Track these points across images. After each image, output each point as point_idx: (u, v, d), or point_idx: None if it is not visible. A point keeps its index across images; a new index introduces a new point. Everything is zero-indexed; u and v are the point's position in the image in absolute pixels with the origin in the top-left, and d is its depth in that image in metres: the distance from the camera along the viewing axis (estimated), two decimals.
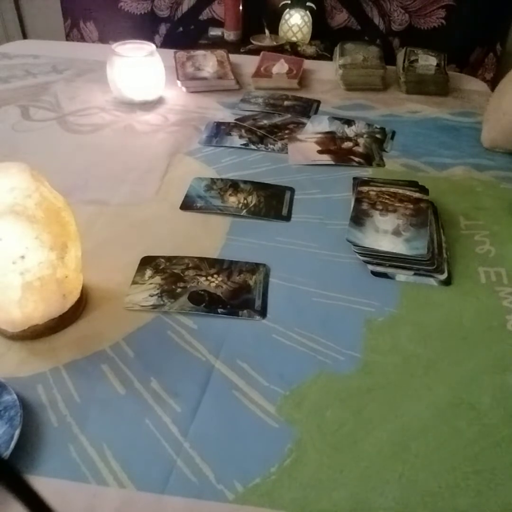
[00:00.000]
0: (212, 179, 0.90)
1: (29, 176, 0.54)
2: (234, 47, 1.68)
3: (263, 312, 0.65)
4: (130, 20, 1.90)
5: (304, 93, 1.24)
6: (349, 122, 1.10)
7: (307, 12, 1.74)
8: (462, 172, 0.96)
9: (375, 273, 0.72)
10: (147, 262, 0.71)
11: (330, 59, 1.49)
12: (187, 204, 0.84)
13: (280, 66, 1.29)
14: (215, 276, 0.69)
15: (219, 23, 1.85)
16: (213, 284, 0.68)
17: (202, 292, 0.67)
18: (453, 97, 1.26)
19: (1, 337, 0.60)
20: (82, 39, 1.98)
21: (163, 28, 1.92)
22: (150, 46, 1.13)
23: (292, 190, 0.89)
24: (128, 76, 1.11)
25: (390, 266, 0.72)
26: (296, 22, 1.75)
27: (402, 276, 0.72)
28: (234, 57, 1.37)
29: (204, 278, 0.69)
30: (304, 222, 0.82)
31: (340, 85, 1.28)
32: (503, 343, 0.63)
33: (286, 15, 1.76)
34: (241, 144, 1.01)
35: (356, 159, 0.98)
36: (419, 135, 1.08)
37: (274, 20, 1.78)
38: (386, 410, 0.55)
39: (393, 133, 1.08)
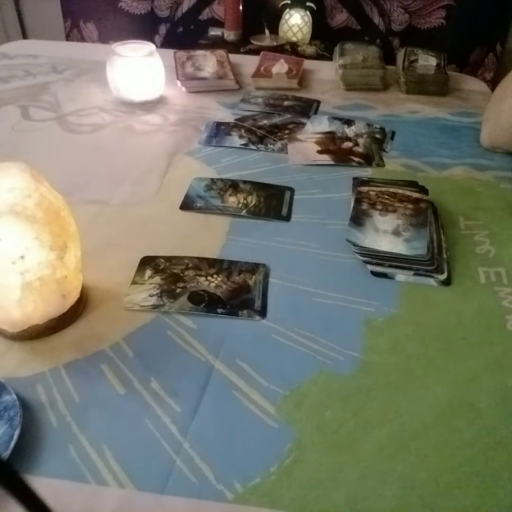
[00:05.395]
0: (212, 179, 0.90)
1: (29, 176, 0.54)
2: (234, 47, 1.68)
3: (263, 312, 0.65)
4: (130, 20, 1.90)
5: (304, 93, 1.24)
6: (349, 122, 1.10)
7: (307, 12, 1.74)
8: (462, 172, 0.96)
9: (374, 273, 0.72)
10: (147, 262, 0.71)
11: (330, 59, 1.48)
12: (187, 204, 0.84)
13: (280, 66, 1.29)
14: (215, 276, 0.69)
15: (219, 23, 1.85)
16: (212, 284, 0.68)
17: (202, 292, 0.67)
18: (453, 97, 1.26)
19: (1, 337, 0.60)
20: (82, 39, 1.98)
21: (163, 28, 1.92)
22: (150, 46, 1.13)
23: (292, 190, 0.89)
24: (128, 76, 1.11)
25: (390, 266, 0.72)
26: (296, 22, 1.75)
27: (402, 276, 0.71)
28: (234, 57, 1.37)
29: (203, 278, 0.69)
30: (304, 222, 0.82)
31: (340, 85, 1.28)
32: (503, 343, 0.63)
33: (286, 15, 1.76)
34: (241, 144, 1.01)
35: (356, 159, 0.98)
36: (419, 135, 1.08)
37: (274, 20, 1.78)
38: (386, 410, 0.55)
39: (393, 133, 1.08)
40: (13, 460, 0.47)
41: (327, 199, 0.87)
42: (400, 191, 0.83)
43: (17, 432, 0.48)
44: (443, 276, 0.71)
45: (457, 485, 0.49)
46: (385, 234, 0.75)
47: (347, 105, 1.20)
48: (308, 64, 1.37)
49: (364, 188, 0.84)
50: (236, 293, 0.67)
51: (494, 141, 1.03)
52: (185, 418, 0.53)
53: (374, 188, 0.84)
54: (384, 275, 0.72)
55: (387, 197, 0.82)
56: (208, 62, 1.29)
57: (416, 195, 0.83)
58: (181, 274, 0.69)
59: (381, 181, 0.87)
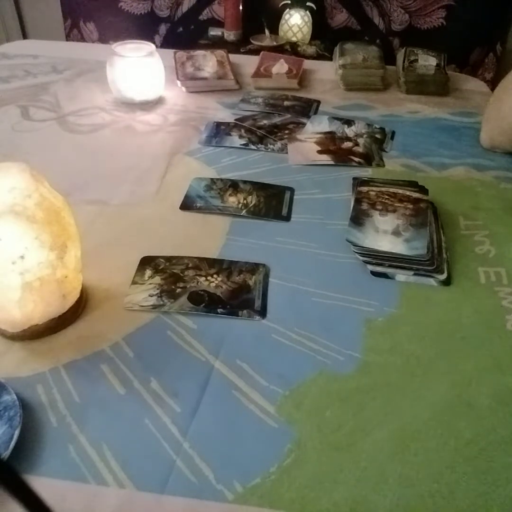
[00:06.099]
0: (212, 179, 0.90)
1: (29, 176, 0.54)
2: (234, 47, 1.68)
3: (262, 312, 0.65)
4: (130, 20, 1.90)
5: (304, 93, 1.24)
6: (349, 122, 1.10)
7: (307, 12, 1.74)
8: (462, 172, 0.96)
9: (374, 273, 0.72)
10: (146, 262, 0.71)
11: (330, 59, 1.48)
12: (187, 204, 0.84)
13: (280, 66, 1.29)
14: (215, 276, 0.69)
15: (219, 23, 1.85)
16: (212, 284, 0.68)
17: (202, 292, 0.67)
18: (453, 97, 1.26)
19: (1, 337, 0.60)
20: (82, 39, 1.98)
21: (163, 28, 1.92)
22: (150, 46, 1.13)
23: (292, 190, 0.89)
24: (128, 76, 1.11)
25: (390, 266, 0.72)
26: (296, 22, 1.75)
27: (401, 276, 0.71)
28: (234, 57, 1.37)
29: (203, 278, 0.69)
30: (304, 222, 0.82)
31: (340, 85, 1.28)
32: (502, 343, 0.63)
33: (286, 15, 1.76)
34: (241, 144, 1.01)
35: (356, 159, 0.98)
36: (419, 135, 1.08)
37: (274, 20, 1.78)
38: (386, 410, 0.55)
39: (393, 133, 1.08)
40: (13, 460, 0.47)
41: (327, 199, 0.87)
42: (400, 191, 0.83)
43: (17, 432, 0.48)
44: (443, 276, 0.71)
45: (457, 485, 0.49)
46: (385, 234, 0.75)
47: (347, 105, 1.20)
48: (308, 64, 1.37)
49: (364, 188, 0.84)
50: (236, 293, 0.67)
51: (494, 141, 1.03)
52: (185, 418, 0.53)
53: (374, 188, 0.84)
54: (384, 275, 0.72)
55: (387, 197, 0.82)
56: (208, 62, 1.29)
57: (416, 195, 0.83)
58: (181, 274, 0.69)
59: (381, 181, 0.87)
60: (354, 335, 0.63)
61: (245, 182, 0.89)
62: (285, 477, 0.49)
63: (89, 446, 0.50)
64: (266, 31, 1.75)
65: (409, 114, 1.17)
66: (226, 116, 1.12)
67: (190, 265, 0.71)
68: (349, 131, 1.07)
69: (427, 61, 1.29)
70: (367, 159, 0.98)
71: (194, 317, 0.64)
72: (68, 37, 1.99)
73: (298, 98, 1.21)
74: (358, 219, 0.78)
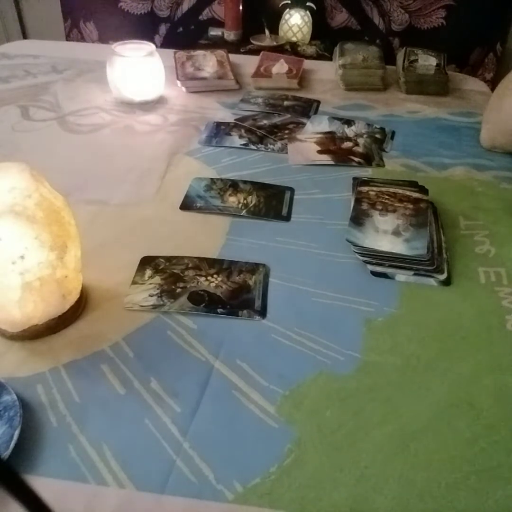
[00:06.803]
0: (212, 179, 0.90)
1: (29, 176, 0.54)
2: (234, 47, 1.68)
3: (263, 312, 0.65)
4: (130, 20, 1.90)
5: (304, 93, 1.24)
6: (349, 122, 1.10)
7: (307, 12, 1.74)
8: (462, 172, 0.96)
9: (374, 273, 0.72)
10: (147, 262, 0.71)
11: (330, 59, 1.48)
12: (187, 204, 0.84)
13: (280, 66, 1.29)
14: (215, 276, 0.69)
15: (219, 23, 1.85)
16: (212, 284, 0.68)
17: (202, 292, 0.67)
18: (453, 97, 1.26)
19: (1, 337, 0.60)
20: (82, 39, 1.98)
21: (163, 28, 1.92)
22: (150, 46, 1.13)
23: (292, 190, 0.89)
24: (128, 76, 1.11)
25: (390, 266, 0.72)
26: (296, 22, 1.75)
27: (401, 276, 0.71)
28: (234, 57, 1.37)
29: (203, 278, 0.69)
30: (304, 222, 0.82)
31: (340, 85, 1.28)
32: (503, 343, 0.63)
33: (286, 15, 1.76)
34: (241, 144, 1.01)
35: (356, 159, 0.98)
36: (419, 135, 1.08)
37: (274, 20, 1.77)
38: (386, 410, 0.55)
39: (393, 133, 1.08)
40: (13, 460, 0.47)
41: (327, 199, 0.87)
42: (400, 191, 0.83)
43: (17, 432, 0.48)
44: (443, 276, 0.71)
45: (457, 485, 0.49)
46: (385, 234, 0.75)
47: (347, 105, 1.20)
48: (308, 64, 1.37)
49: (364, 188, 0.84)
50: (236, 293, 0.67)
51: (494, 141, 1.03)
52: (185, 418, 0.53)
53: (374, 188, 0.84)
54: (384, 275, 0.72)
55: (387, 197, 0.82)
56: (208, 62, 1.29)
57: (416, 195, 0.82)
58: (181, 274, 0.69)
59: (381, 181, 0.87)
60: (354, 335, 0.63)
61: (245, 182, 0.89)
62: (285, 477, 0.49)
63: (89, 446, 0.50)
64: (266, 31, 1.75)
65: (409, 114, 1.17)
66: (226, 116, 1.12)
67: (190, 265, 0.71)
68: (349, 131, 1.07)
69: (427, 61, 1.29)
70: (367, 159, 0.98)
71: (194, 317, 0.64)
72: (68, 37, 1.99)
73: (298, 98, 1.21)
74: (358, 219, 0.78)
